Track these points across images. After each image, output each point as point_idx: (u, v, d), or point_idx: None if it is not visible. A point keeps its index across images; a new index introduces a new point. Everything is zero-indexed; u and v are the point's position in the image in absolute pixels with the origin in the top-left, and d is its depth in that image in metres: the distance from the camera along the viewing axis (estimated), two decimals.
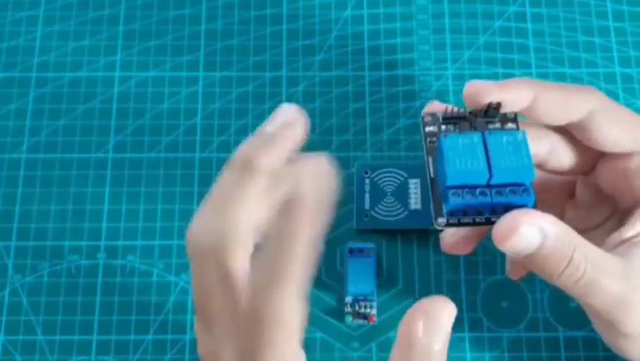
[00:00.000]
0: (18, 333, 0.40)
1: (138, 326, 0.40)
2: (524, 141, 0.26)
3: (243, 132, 0.44)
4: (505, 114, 0.29)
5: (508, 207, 0.26)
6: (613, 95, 0.44)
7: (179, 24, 0.47)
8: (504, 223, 0.26)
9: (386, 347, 0.40)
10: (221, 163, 0.43)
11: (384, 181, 0.42)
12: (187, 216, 0.42)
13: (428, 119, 0.29)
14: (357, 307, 0.39)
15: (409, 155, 0.43)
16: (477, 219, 0.27)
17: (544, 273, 0.28)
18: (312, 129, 0.44)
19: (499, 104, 0.28)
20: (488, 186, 0.26)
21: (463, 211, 0.27)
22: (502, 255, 0.41)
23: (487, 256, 0.41)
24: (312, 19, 0.47)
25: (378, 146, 0.44)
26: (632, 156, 0.32)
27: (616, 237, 0.30)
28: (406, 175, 0.42)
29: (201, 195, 0.42)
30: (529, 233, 0.26)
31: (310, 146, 0.44)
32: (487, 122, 0.29)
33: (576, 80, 0.45)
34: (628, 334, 0.29)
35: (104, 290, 0.41)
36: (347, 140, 0.44)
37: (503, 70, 0.45)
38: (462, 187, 0.26)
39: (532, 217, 0.26)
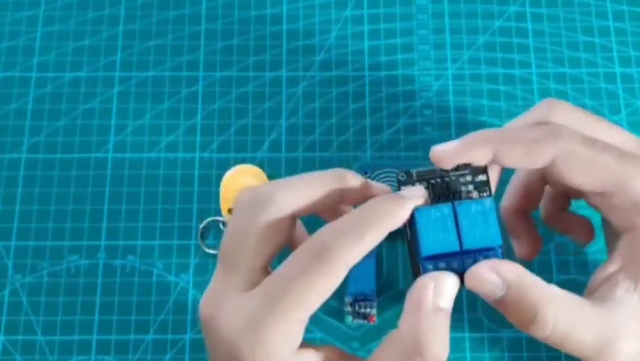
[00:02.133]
0: (18, 333, 0.40)
1: (138, 326, 0.40)
2: (491, 208, 0.29)
3: (243, 132, 0.44)
4: (475, 167, 0.31)
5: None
6: (613, 95, 0.44)
7: (179, 24, 0.47)
8: (472, 270, 0.28)
9: None
10: (221, 163, 0.43)
11: (384, 181, 0.42)
12: (187, 216, 0.42)
13: (402, 177, 0.31)
14: (357, 307, 0.39)
15: (409, 155, 0.43)
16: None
17: (515, 323, 0.29)
18: (312, 129, 0.44)
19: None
20: (461, 252, 0.29)
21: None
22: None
23: None
24: (312, 19, 0.47)
25: (378, 146, 0.44)
26: (612, 196, 0.30)
27: (601, 272, 0.30)
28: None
29: (201, 195, 0.42)
30: (491, 279, 0.28)
31: (310, 146, 0.44)
32: (459, 176, 0.31)
33: (576, 80, 0.45)
34: None
35: (104, 290, 0.41)
36: (347, 140, 0.44)
37: (503, 70, 0.45)
38: (437, 256, 0.29)
39: (495, 265, 0.28)
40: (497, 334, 0.40)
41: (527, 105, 0.44)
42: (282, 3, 0.47)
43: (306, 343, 0.28)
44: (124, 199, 0.43)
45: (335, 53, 0.46)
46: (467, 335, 0.40)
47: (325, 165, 0.43)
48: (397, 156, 0.43)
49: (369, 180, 0.30)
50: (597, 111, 0.44)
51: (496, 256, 0.29)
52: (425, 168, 0.31)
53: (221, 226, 0.42)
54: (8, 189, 0.43)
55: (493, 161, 0.30)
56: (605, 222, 0.33)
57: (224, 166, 0.43)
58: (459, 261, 0.29)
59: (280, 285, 0.27)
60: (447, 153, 0.30)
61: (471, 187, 0.31)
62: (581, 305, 0.28)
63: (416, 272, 0.30)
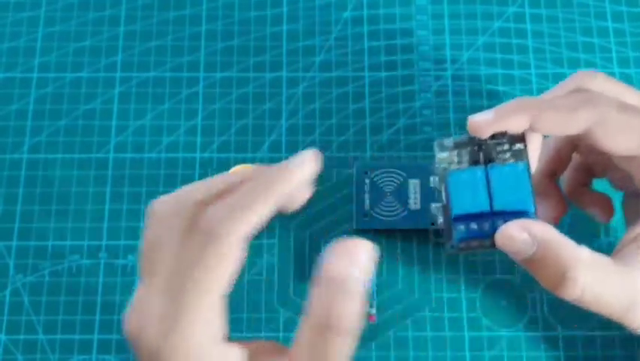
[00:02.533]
0: (19, 333, 0.40)
1: None
2: (524, 172, 0.29)
3: (243, 133, 0.44)
4: (512, 135, 0.31)
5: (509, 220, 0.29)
6: None
7: (180, 25, 0.47)
8: (503, 228, 0.29)
9: (386, 347, 0.40)
10: (221, 163, 0.43)
11: (384, 181, 0.42)
12: None
13: (440, 145, 0.32)
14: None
15: (409, 155, 0.43)
16: (484, 243, 0.30)
17: (544, 283, 0.29)
18: (312, 130, 0.44)
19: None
20: (492, 213, 0.29)
21: (471, 238, 0.30)
22: (501, 255, 0.41)
23: (487, 256, 0.41)
24: (312, 20, 0.47)
25: (378, 146, 0.44)
26: None
27: (628, 235, 0.31)
28: (405, 175, 0.42)
29: None
30: (522, 237, 0.28)
31: (310, 146, 0.44)
32: (496, 144, 0.31)
33: None
34: (637, 329, 0.30)
35: (105, 290, 0.41)
36: (347, 140, 0.44)
37: (502, 70, 0.45)
38: (468, 216, 0.29)
39: (526, 225, 0.28)
40: (496, 333, 0.40)
41: None
42: (283, 4, 0.47)
43: (236, 340, 0.28)
44: (125, 199, 0.43)
45: (335, 54, 0.46)
46: (467, 334, 0.40)
47: (325, 165, 0.43)
48: (397, 156, 0.43)
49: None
50: None
51: (527, 216, 0.29)
52: (463, 136, 0.31)
53: None
54: (10, 189, 0.43)
55: (531, 128, 0.30)
56: (629, 195, 0.34)
57: (225, 166, 0.43)
58: (490, 222, 0.29)
59: (177, 276, 0.26)
60: (483, 122, 0.30)
61: (508, 155, 0.31)
62: (609, 267, 0.29)
63: (447, 233, 0.30)
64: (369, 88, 0.45)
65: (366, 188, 0.42)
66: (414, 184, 0.42)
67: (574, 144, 0.35)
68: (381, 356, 0.40)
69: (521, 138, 0.31)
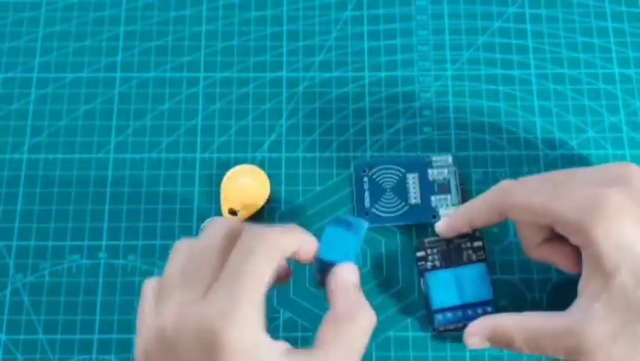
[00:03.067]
0: (19, 332, 0.40)
1: None
2: (485, 271, 0.39)
3: (244, 133, 0.44)
4: (473, 234, 0.40)
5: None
6: (612, 96, 0.45)
7: (180, 25, 0.47)
8: (467, 338, 0.36)
9: (385, 347, 0.40)
10: (221, 163, 0.43)
11: (383, 178, 0.42)
12: (188, 216, 0.42)
13: (418, 245, 0.40)
14: None
15: (409, 155, 0.43)
16: (457, 326, 0.39)
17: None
18: (312, 130, 0.44)
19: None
20: (462, 305, 0.39)
21: (448, 324, 0.39)
22: (501, 255, 0.41)
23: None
24: (312, 20, 0.47)
25: (378, 146, 0.44)
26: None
27: (580, 285, 0.34)
28: (403, 170, 0.42)
29: (202, 195, 0.43)
30: (473, 342, 0.36)
31: (310, 146, 0.44)
32: (460, 243, 0.40)
33: (575, 80, 0.45)
34: None
35: (105, 290, 0.41)
36: (347, 140, 0.44)
37: (502, 70, 0.45)
38: (444, 309, 0.39)
39: (472, 331, 0.36)
40: None
41: (526, 106, 0.44)
42: (283, 4, 0.47)
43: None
44: (125, 199, 0.43)
45: (335, 54, 0.46)
46: None
47: (325, 165, 0.43)
48: (397, 157, 0.43)
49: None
50: (596, 112, 0.44)
51: (489, 305, 0.39)
52: (435, 238, 0.40)
53: None
54: (10, 189, 0.43)
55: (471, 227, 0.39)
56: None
57: (225, 166, 0.43)
58: (462, 311, 0.39)
59: (225, 282, 0.30)
60: (443, 230, 0.39)
61: (470, 252, 0.40)
62: (543, 320, 0.34)
63: (430, 318, 0.39)
64: (369, 88, 0.45)
65: (366, 186, 0.42)
66: (413, 178, 0.42)
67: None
68: (381, 356, 0.40)
69: (479, 238, 0.40)
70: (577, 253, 0.36)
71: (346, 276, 0.33)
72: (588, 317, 0.32)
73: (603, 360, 0.32)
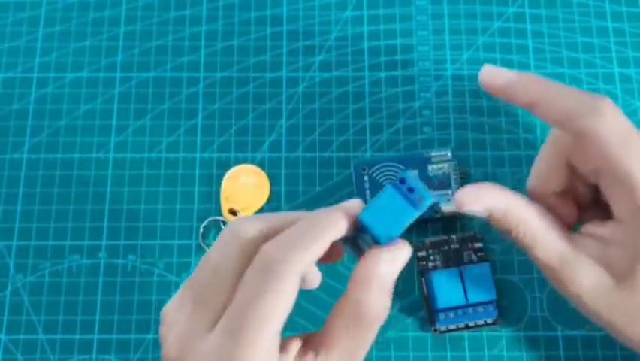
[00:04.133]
0: (19, 332, 0.40)
1: (139, 326, 0.40)
2: (488, 271, 0.39)
3: (243, 133, 0.44)
4: (474, 235, 0.40)
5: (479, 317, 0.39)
6: (612, 96, 0.45)
7: (180, 25, 0.47)
8: (461, 195, 0.32)
9: (385, 347, 0.40)
10: (221, 163, 0.43)
11: (383, 176, 0.42)
12: (188, 215, 0.42)
13: (419, 245, 0.40)
14: None
15: (409, 155, 0.43)
16: (459, 326, 0.39)
17: (499, 232, 0.34)
18: (312, 129, 0.44)
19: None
20: (467, 305, 0.38)
21: (451, 324, 0.39)
22: (501, 255, 0.41)
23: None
24: (312, 20, 0.47)
25: (378, 146, 0.44)
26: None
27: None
28: (403, 168, 0.42)
29: (202, 195, 0.43)
30: (475, 209, 0.32)
31: (310, 146, 0.44)
32: (462, 244, 0.40)
33: (575, 80, 0.45)
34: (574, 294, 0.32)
35: (105, 290, 0.41)
36: (347, 140, 0.44)
37: None
38: (448, 308, 0.38)
39: (476, 194, 0.32)
40: (496, 333, 0.40)
41: None
42: (283, 4, 0.47)
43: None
44: (125, 199, 0.43)
45: (335, 54, 0.46)
46: (466, 334, 0.40)
47: (325, 165, 0.43)
48: (396, 154, 0.43)
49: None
50: None
51: (492, 305, 0.39)
52: (436, 238, 0.40)
53: (222, 225, 0.42)
54: (10, 189, 0.43)
55: (529, 108, 0.32)
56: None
57: (225, 166, 0.43)
58: (464, 311, 0.38)
59: (238, 315, 0.27)
60: (495, 80, 0.33)
61: (471, 252, 0.40)
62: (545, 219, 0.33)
63: (431, 318, 0.39)
64: (369, 88, 0.45)
65: (366, 185, 0.42)
66: (413, 175, 0.42)
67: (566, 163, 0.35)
68: (381, 356, 0.40)
69: (480, 240, 0.40)
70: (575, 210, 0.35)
71: (376, 267, 0.29)
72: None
73: None
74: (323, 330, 0.29)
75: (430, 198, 0.29)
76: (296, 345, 0.29)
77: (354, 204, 0.30)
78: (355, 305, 0.29)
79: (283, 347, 0.29)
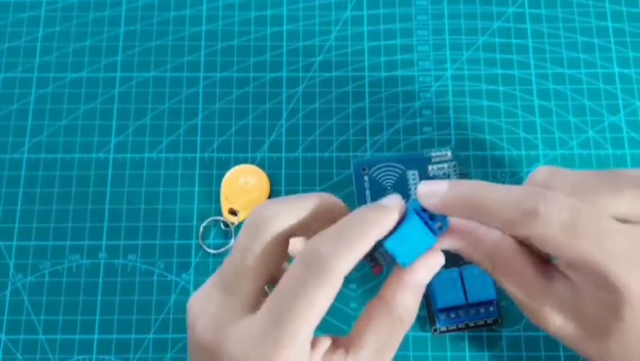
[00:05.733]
0: (19, 332, 0.40)
1: (139, 326, 0.40)
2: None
3: (243, 133, 0.44)
4: None
5: (480, 317, 0.39)
6: (612, 96, 0.45)
7: (180, 25, 0.47)
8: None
9: None
10: (221, 163, 0.43)
11: (383, 176, 0.42)
12: (188, 215, 0.42)
13: None
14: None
15: (409, 155, 0.43)
16: (459, 326, 0.39)
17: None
18: (312, 129, 0.44)
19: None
20: (467, 305, 0.38)
21: (451, 324, 0.39)
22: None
23: None
24: (312, 20, 0.47)
25: (378, 146, 0.44)
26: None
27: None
28: (403, 168, 0.42)
29: (202, 195, 0.43)
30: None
31: (310, 146, 0.44)
32: None
33: (575, 80, 0.45)
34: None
35: (105, 290, 0.41)
36: (347, 140, 0.44)
37: (502, 70, 0.45)
38: (449, 308, 0.38)
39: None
40: (496, 333, 0.40)
41: (526, 106, 0.44)
42: (282, 4, 0.47)
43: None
44: (125, 199, 0.43)
45: (335, 54, 0.46)
46: (466, 334, 0.40)
47: (325, 164, 0.43)
48: (396, 154, 0.43)
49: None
50: (596, 112, 0.44)
51: (492, 305, 0.39)
52: None
53: (222, 225, 0.42)
54: (10, 189, 0.43)
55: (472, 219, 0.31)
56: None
57: (225, 166, 0.43)
58: (464, 311, 0.39)
59: (284, 304, 0.27)
60: (432, 198, 0.30)
61: None
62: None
63: (431, 318, 0.39)
64: (369, 88, 0.45)
65: (366, 185, 0.42)
66: (413, 175, 0.42)
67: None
68: None
69: None
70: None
71: (415, 273, 0.30)
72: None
73: None
74: (353, 331, 0.30)
75: (448, 225, 0.30)
76: (325, 343, 0.29)
77: (395, 201, 0.30)
78: (389, 308, 0.30)
79: (313, 343, 0.29)
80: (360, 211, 0.29)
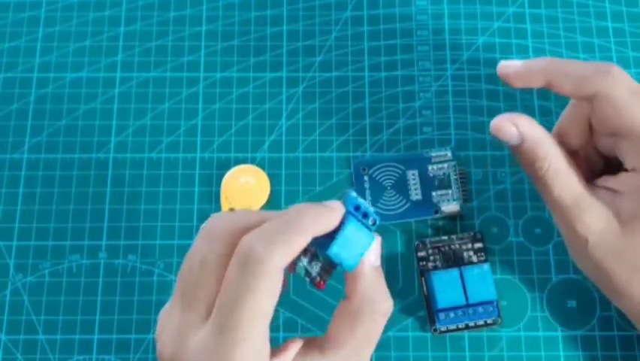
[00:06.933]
0: (19, 332, 0.40)
1: (139, 326, 0.40)
2: (489, 271, 0.39)
3: (243, 133, 0.44)
4: (474, 235, 0.40)
5: (480, 318, 0.39)
6: None
7: (180, 25, 0.47)
8: (496, 119, 0.35)
9: (385, 347, 0.40)
10: (221, 163, 0.43)
11: (383, 176, 0.42)
12: (188, 216, 0.42)
13: (418, 245, 0.40)
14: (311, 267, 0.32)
15: (409, 155, 0.43)
16: (459, 326, 0.39)
17: (521, 162, 0.36)
18: (312, 129, 0.44)
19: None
20: (467, 305, 0.39)
21: (451, 324, 0.39)
22: (501, 255, 0.41)
23: None
24: (312, 20, 0.47)
25: (378, 146, 0.44)
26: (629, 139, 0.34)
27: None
28: (403, 167, 0.42)
29: (202, 195, 0.43)
30: (510, 130, 0.35)
31: (310, 146, 0.44)
32: (462, 244, 0.40)
33: None
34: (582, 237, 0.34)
35: (105, 290, 0.41)
36: (347, 140, 0.44)
37: None
38: (448, 308, 0.39)
39: (514, 119, 0.35)
40: (496, 333, 0.40)
41: (526, 105, 0.44)
42: (282, 4, 0.47)
43: (273, 349, 0.28)
44: (125, 199, 0.43)
45: (335, 54, 0.46)
46: (466, 334, 0.40)
47: (325, 165, 0.43)
48: (396, 154, 0.43)
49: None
50: None
51: (493, 306, 0.39)
52: (436, 238, 0.40)
53: None
54: (10, 189, 0.43)
55: (547, 87, 0.36)
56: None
57: (225, 166, 0.43)
58: (464, 311, 0.39)
59: (226, 310, 0.27)
60: (510, 70, 0.36)
61: (471, 253, 0.40)
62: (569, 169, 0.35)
63: (431, 318, 0.39)
64: (369, 88, 0.45)
65: (366, 185, 0.42)
66: (413, 175, 0.42)
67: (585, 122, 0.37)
68: (381, 356, 0.40)
69: (480, 240, 0.40)
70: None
71: (367, 264, 0.30)
72: None
73: None
74: (328, 331, 0.30)
75: (379, 218, 0.30)
76: (296, 345, 0.29)
77: (337, 203, 0.30)
78: (357, 303, 0.29)
79: (282, 347, 0.29)
80: (298, 205, 0.29)
